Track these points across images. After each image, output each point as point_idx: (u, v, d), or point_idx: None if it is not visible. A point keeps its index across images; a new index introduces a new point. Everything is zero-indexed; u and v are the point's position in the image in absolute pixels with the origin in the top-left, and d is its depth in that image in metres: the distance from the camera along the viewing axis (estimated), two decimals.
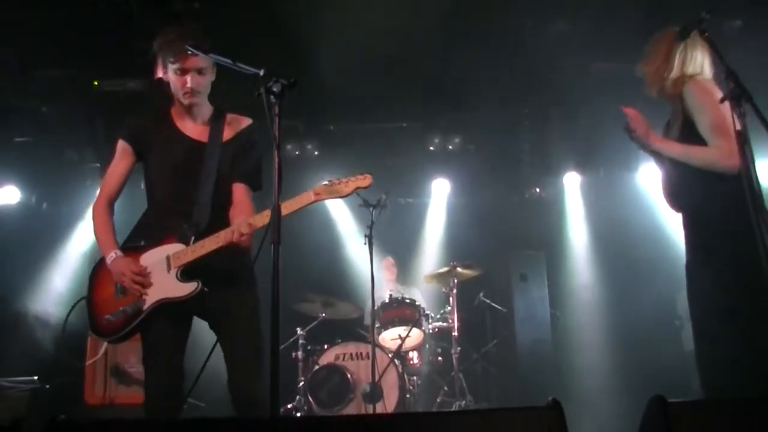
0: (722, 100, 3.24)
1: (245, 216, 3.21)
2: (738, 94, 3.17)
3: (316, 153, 7.92)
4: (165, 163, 3.44)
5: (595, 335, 7.59)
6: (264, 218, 3.13)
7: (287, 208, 3.13)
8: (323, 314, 6.70)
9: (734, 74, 3.23)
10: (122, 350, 6.39)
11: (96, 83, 6.76)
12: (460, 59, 6.35)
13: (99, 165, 7.93)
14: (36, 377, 6.41)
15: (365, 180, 3.24)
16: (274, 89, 2.84)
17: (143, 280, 3.25)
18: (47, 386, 6.40)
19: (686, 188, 3.57)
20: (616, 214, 7.65)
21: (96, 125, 7.51)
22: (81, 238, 8.20)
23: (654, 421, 1.94)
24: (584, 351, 7.51)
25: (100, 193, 3.52)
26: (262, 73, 2.92)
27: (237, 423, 2.23)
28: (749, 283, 3.25)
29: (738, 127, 3.36)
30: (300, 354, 6.37)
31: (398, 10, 5.67)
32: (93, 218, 3.47)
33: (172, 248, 3.29)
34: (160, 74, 5.90)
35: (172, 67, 3.37)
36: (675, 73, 3.63)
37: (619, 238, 7.61)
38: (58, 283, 8.00)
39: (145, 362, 3.33)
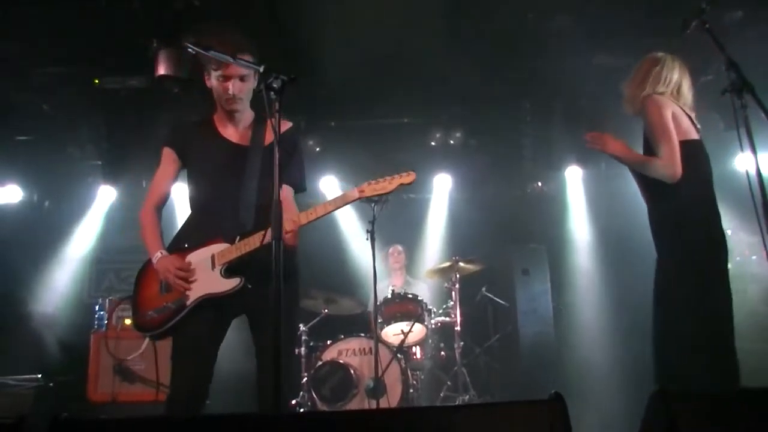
0: (723, 92, 3.27)
1: (289, 215, 3.22)
2: (739, 85, 3.19)
3: (317, 149, 7.90)
4: (208, 167, 3.51)
5: (598, 329, 7.58)
6: (309, 216, 3.23)
7: (332, 205, 3.25)
8: (326, 310, 6.70)
9: (735, 65, 3.26)
10: (125, 348, 6.40)
11: (97, 81, 6.74)
12: (461, 54, 6.33)
13: (100, 163, 7.94)
14: (39, 375, 6.44)
15: (409, 177, 3.26)
16: (274, 85, 2.86)
17: (186, 275, 3.34)
18: (50, 384, 6.42)
19: (644, 190, 3.94)
20: (618, 207, 7.61)
21: (97, 123, 7.52)
22: (83, 236, 8.23)
23: (656, 415, 1.94)
24: (587, 345, 7.50)
25: (147, 199, 3.59)
26: (262, 69, 2.95)
27: (241, 419, 2.23)
28: (703, 277, 3.60)
29: (695, 136, 3.77)
30: (303, 350, 6.37)
31: (399, 6, 5.66)
32: (141, 223, 3.54)
33: (218, 248, 3.37)
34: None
35: (215, 74, 3.44)
36: (647, 91, 3.89)
37: (621, 232, 7.58)
38: (61, 281, 8.03)
39: (177, 357, 3.36)
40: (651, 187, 3.81)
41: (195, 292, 3.33)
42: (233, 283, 3.30)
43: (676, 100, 3.86)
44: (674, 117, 3.73)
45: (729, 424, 1.95)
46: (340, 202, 3.26)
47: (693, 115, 3.87)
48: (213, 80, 3.45)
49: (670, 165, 3.61)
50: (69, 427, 1.81)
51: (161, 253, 3.41)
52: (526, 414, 1.88)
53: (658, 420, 1.93)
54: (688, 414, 1.92)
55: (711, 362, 3.47)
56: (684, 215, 3.67)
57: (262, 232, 3.23)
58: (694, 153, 3.71)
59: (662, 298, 3.70)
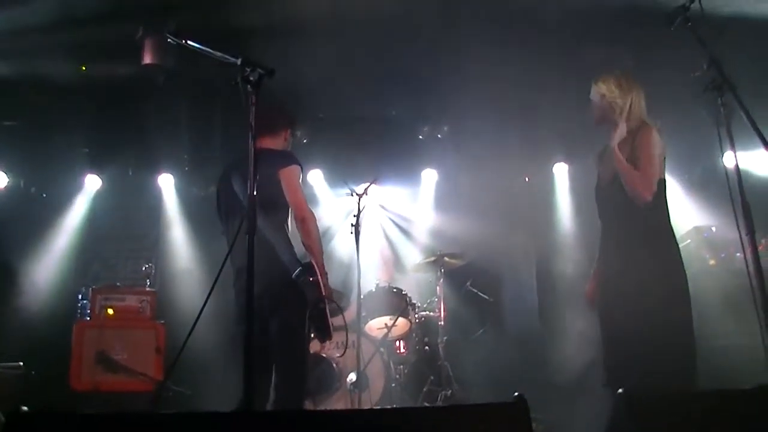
0: (705, 89, 3.25)
1: None
2: (720, 83, 3.17)
3: (304, 141, 7.85)
4: None
5: (585, 324, 7.57)
6: None
7: None
8: None
9: (717, 63, 3.23)
10: (108, 337, 6.39)
11: (84, 68, 6.69)
12: (449, 48, 6.30)
13: (87, 150, 7.89)
14: (21, 363, 6.40)
15: None
16: (251, 78, 2.83)
17: None
18: (32, 372, 6.39)
19: None
20: None
21: (84, 110, 7.46)
22: (69, 224, 8.18)
23: (621, 415, 1.95)
24: (573, 340, 7.50)
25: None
26: (239, 62, 2.91)
27: (213, 417, 2.20)
28: None
29: None
30: None
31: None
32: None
33: None
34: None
35: None
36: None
37: None
38: (46, 268, 7.98)
39: None
40: None
41: None
42: None
43: None
44: None
45: (691, 424, 1.96)
46: None
47: None
48: None
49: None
50: (27, 420, 1.79)
51: None
52: (489, 416, 1.88)
53: (623, 421, 1.93)
54: (651, 414, 1.92)
55: None
56: None
57: None
58: None
59: None
